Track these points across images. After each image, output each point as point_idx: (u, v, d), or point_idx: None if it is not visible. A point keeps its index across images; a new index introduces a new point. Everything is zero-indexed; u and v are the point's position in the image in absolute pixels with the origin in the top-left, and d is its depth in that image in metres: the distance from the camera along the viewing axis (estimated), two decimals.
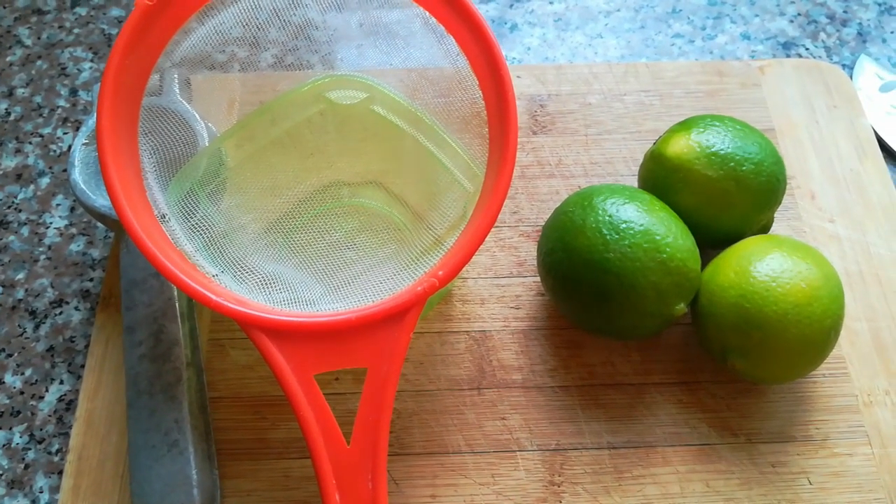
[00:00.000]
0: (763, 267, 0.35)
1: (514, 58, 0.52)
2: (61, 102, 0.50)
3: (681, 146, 0.38)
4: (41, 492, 0.38)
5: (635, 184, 0.42)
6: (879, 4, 0.54)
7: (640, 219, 0.36)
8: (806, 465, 0.37)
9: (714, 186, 0.37)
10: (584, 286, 0.36)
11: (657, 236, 0.35)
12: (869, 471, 0.37)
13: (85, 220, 0.45)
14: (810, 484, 0.36)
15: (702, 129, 0.39)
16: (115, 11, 0.54)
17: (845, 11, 0.54)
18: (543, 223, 0.43)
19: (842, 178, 0.45)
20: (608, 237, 0.35)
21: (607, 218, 0.36)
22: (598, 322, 0.37)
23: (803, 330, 0.34)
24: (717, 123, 0.39)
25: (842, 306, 0.36)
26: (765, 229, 0.40)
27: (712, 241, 0.39)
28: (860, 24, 0.53)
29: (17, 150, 0.48)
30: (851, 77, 0.50)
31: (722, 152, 0.38)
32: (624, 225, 0.36)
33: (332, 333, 0.32)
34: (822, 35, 0.53)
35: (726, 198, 0.38)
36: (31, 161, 0.48)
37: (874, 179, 0.45)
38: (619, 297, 0.35)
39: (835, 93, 0.48)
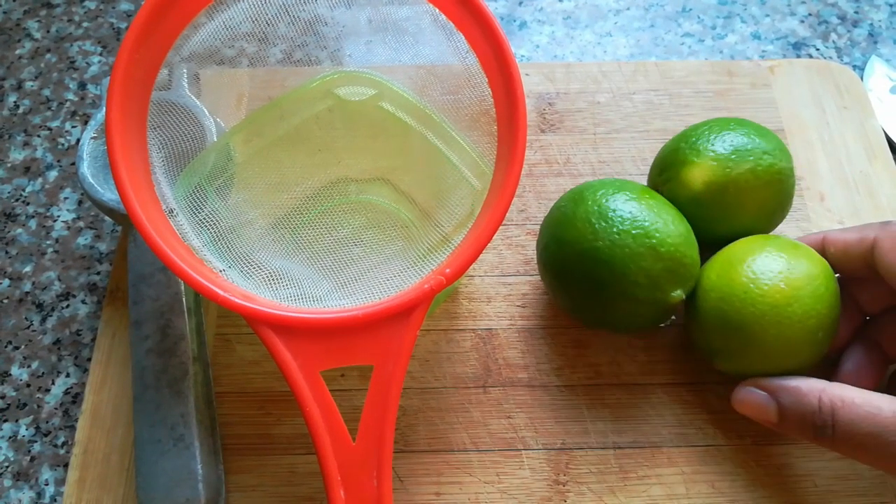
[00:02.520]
0: (744, 269, 0.35)
1: (522, 55, 0.51)
2: (70, 96, 0.50)
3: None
4: (46, 484, 0.38)
5: (644, 183, 0.42)
6: (891, 5, 0.53)
7: (629, 207, 0.36)
8: (812, 468, 0.37)
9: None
10: (577, 277, 0.36)
11: (646, 222, 0.35)
12: (875, 474, 0.37)
13: (92, 213, 0.46)
14: (816, 487, 0.36)
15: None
16: (124, 5, 0.54)
17: (856, 12, 0.53)
18: None
19: (851, 179, 0.45)
20: (597, 226, 0.35)
21: (596, 208, 0.36)
22: (596, 313, 0.37)
23: (783, 331, 0.34)
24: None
25: (830, 306, 0.34)
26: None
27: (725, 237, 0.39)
28: (871, 24, 0.53)
29: (26, 144, 0.48)
30: (862, 78, 0.50)
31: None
32: (612, 213, 0.36)
33: (339, 330, 0.32)
34: (833, 36, 0.52)
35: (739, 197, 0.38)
36: (39, 154, 0.48)
37: (884, 181, 0.45)
38: (612, 285, 0.35)
39: (845, 94, 0.48)
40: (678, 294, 0.36)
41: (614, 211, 0.36)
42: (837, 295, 0.35)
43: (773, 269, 0.34)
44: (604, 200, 0.36)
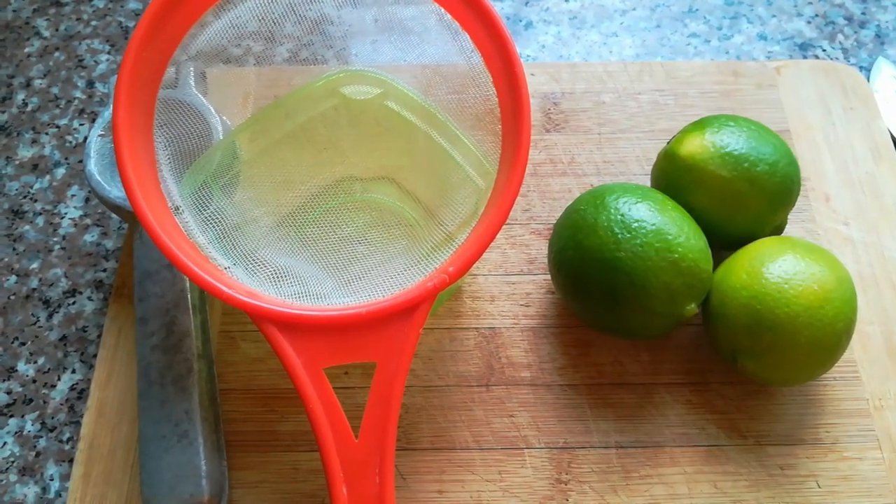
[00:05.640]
0: (775, 268, 0.35)
1: (528, 55, 0.52)
2: (78, 94, 0.50)
3: (695, 146, 0.38)
4: (52, 479, 0.38)
5: (648, 183, 0.42)
6: None
7: (653, 218, 0.36)
8: (815, 469, 0.37)
9: (727, 187, 0.37)
10: (594, 285, 0.36)
11: (669, 236, 0.35)
12: (879, 475, 0.37)
13: (99, 210, 0.46)
14: (819, 487, 0.36)
15: (716, 129, 0.39)
16: (133, 4, 0.54)
17: (863, 13, 0.53)
18: (555, 221, 0.43)
19: (857, 180, 0.45)
20: (620, 236, 0.35)
21: (619, 217, 0.36)
22: (608, 321, 0.37)
23: (814, 332, 0.34)
24: (732, 123, 0.39)
25: (854, 310, 0.36)
26: (778, 230, 0.40)
27: (725, 241, 0.39)
28: (878, 25, 0.53)
29: (34, 141, 0.48)
30: (868, 79, 0.50)
31: (736, 152, 0.37)
32: (636, 224, 0.36)
33: (343, 327, 0.32)
34: (840, 36, 0.52)
35: (740, 199, 0.38)
36: (47, 152, 0.48)
37: (889, 182, 0.45)
38: (630, 296, 0.35)
39: (851, 94, 0.48)
40: (692, 308, 0.36)
41: (638, 221, 0.36)
42: (857, 301, 0.36)
43: (804, 271, 0.35)
44: (627, 209, 0.36)
